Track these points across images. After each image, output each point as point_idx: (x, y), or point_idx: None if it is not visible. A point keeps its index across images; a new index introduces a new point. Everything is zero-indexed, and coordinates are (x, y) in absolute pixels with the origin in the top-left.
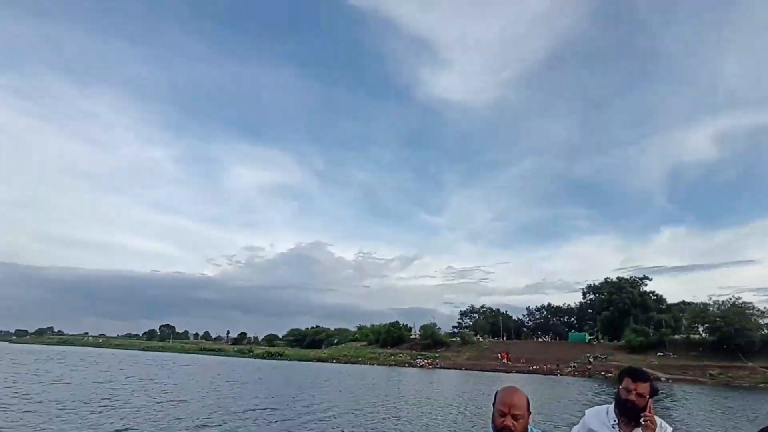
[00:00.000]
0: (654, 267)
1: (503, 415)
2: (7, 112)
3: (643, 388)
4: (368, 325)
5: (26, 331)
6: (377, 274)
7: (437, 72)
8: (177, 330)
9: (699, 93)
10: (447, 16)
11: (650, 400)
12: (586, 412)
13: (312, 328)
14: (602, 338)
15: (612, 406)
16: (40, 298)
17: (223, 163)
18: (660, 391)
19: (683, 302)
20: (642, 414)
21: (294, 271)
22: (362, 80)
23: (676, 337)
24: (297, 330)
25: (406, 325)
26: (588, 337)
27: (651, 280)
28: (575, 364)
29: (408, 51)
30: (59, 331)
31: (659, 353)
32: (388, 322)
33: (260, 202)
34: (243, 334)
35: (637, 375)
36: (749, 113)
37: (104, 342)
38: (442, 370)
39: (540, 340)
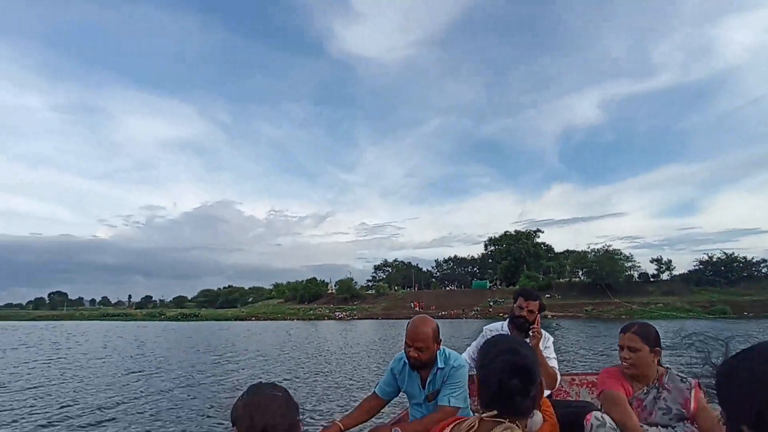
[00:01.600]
0: (544, 220)
1: (409, 346)
2: None
3: (533, 305)
4: (284, 283)
5: None
6: (289, 232)
7: (350, 26)
8: (70, 297)
9: (588, 62)
10: None
11: (538, 315)
12: (484, 328)
13: (225, 288)
14: (501, 284)
15: (506, 321)
16: None
17: (114, 113)
18: (548, 327)
19: (567, 251)
20: (531, 326)
21: (200, 231)
22: (272, 31)
23: (561, 280)
24: (209, 290)
25: (323, 281)
26: (489, 284)
27: (543, 232)
28: (478, 308)
29: (320, 1)
30: None
31: (547, 295)
32: (304, 279)
33: (159, 157)
34: (148, 298)
35: (529, 294)
36: (628, 82)
37: None
38: (359, 320)
39: (447, 288)
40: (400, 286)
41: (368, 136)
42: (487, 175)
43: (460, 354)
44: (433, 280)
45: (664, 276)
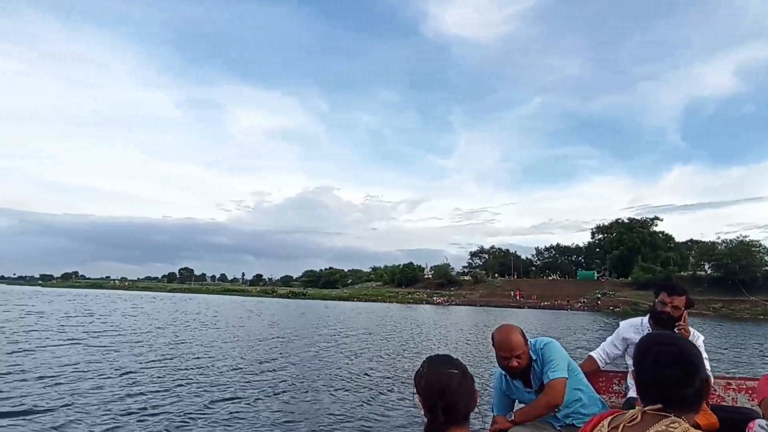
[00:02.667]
0: (662, 206)
1: (506, 359)
2: None
3: (679, 301)
4: (381, 266)
5: (51, 275)
6: (385, 217)
7: (445, 4)
8: (195, 273)
9: (722, 23)
10: None
11: (685, 312)
12: (621, 323)
13: (326, 269)
14: (610, 276)
15: (647, 318)
16: (56, 244)
17: (226, 106)
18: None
19: (691, 240)
20: (677, 324)
21: (302, 215)
22: (365, 15)
23: (683, 273)
24: (312, 271)
25: (420, 265)
26: (596, 275)
27: (662, 220)
28: (584, 300)
29: None
30: (82, 275)
31: None
32: (401, 264)
33: (265, 146)
34: (259, 276)
35: (673, 289)
36: None
37: (130, 285)
38: (457, 306)
39: (550, 278)
40: (497, 273)
41: (463, 120)
42: (594, 158)
43: (594, 349)
44: (533, 268)
45: None
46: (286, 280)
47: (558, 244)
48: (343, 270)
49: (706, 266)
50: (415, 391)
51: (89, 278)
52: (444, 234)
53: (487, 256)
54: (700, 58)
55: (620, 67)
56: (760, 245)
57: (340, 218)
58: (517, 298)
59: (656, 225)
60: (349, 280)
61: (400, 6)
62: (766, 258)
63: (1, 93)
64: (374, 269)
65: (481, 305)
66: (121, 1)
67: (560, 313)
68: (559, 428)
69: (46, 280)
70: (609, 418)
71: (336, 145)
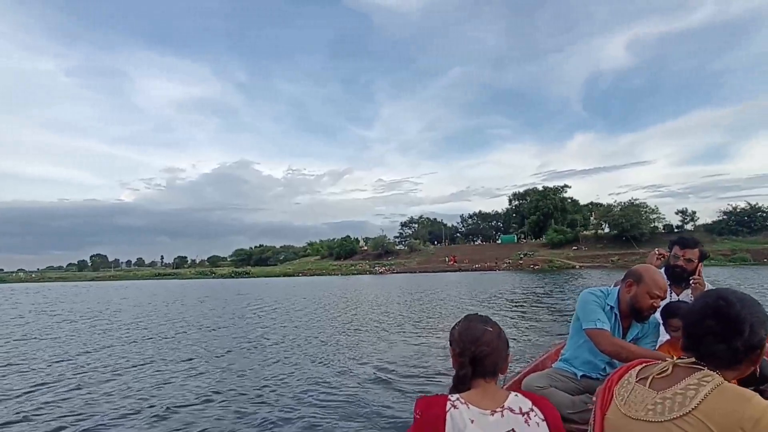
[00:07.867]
0: (567, 171)
1: (653, 298)
2: None
3: (692, 254)
4: (317, 241)
5: None
6: (308, 191)
7: None
8: (108, 259)
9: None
10: None
11: (700, 264)
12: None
13: (257, 247)
14: (528, 238)
15: (662, 271)
16: None
17: (130, 76)
18: (577, 276)
19: (592, 203)
20: (691, 277)
21: (221, 192)
22: None
23: (587, 232)
24: (242, 250)
25: (356, 238)
26: (516, 238)
27: (570, 187)
28: (509, 261)
29: None
30: None
31: (574, 247)
32: (333, 237)
33: (177, 119)
34: (182, 258)
35: (685, 243)
36: (661, 21)
37: (38, 277)
38: (398, 274)
39: (474, 243)
40: (428, 241)
41: (386, 90)
42: (507, 127)
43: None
44: (458, 235)
45: (688, 226)
46: (214, 261)
47: (480, 211)
48: (274, 246)
49: (605, 226)
50: (449, 343)
51: None
52: (368, 205)
53: (416, 225)
54: (600, 32)
55: (532, 38)
56: (646, 205)
57: (262, 193)
58: (452, 263)
59: (565, 192)
60: (282, 256)
61: None
62: (651, 216)
63: None
64: (310, 244)
65: (419, 272)
66: None
67: (491, 274)
68: (580, 378)
69: None
70: (638, 368)
71: (255, 117)
